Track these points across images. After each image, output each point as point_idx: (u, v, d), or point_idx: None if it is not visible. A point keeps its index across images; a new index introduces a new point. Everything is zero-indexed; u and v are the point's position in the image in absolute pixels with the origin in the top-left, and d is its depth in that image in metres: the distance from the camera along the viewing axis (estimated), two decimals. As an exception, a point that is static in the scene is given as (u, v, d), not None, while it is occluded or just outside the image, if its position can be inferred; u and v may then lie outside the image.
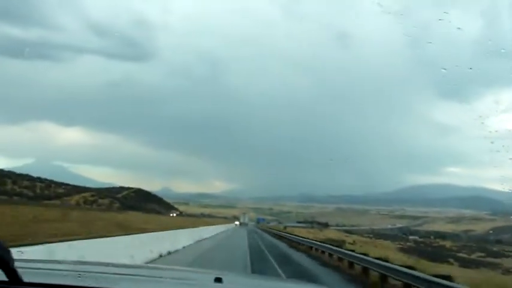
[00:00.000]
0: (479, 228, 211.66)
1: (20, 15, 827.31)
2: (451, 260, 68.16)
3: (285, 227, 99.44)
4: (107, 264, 2.63)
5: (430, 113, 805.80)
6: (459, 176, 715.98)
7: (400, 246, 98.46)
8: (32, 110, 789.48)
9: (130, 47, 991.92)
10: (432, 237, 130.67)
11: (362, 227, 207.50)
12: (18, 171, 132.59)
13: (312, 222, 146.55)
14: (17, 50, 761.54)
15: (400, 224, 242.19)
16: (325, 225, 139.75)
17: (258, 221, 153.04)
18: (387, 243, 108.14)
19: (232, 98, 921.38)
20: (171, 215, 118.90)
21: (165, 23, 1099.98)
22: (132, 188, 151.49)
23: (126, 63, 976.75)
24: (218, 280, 1.81)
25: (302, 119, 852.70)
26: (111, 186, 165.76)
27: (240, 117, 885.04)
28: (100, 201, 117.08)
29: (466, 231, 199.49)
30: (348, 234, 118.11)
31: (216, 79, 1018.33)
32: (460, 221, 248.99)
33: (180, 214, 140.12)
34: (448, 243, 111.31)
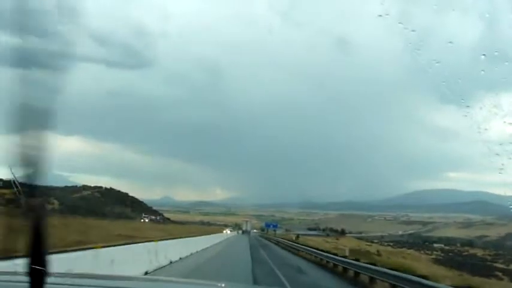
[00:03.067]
0: (493, 233, 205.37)
1: (18, 25, 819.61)
2: (499, 274, 60.35)
3: (298, 236, 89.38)
4: (107, 277, 2.59)
5: (430, 118, 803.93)
6: (461, 181, 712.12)
7: (431, 256, 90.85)
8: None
9: (129, 55, 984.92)
10: (459, 244, 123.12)
11: (371, 234, 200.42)
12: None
13: (324, 230, 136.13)
14: (14, 59, 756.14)
15: (409, 230, 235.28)
16: (341, 232, 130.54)
17: (267, 227, 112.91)
18: (413, 252, 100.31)
19: (231, 105, 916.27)
20: (142, 220, 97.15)
21: (164, 31, 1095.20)
22: (100, 188, 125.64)
23: (124, 71, 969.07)
24: None
25: (302, 126, 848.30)
26: (72, 185, 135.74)
27: (239, 124, 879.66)
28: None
29: (479, 237, 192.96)
30: (368, 243, 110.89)
31: (216, 86, 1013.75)
32: (470, 226, 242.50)
33: (156, 220, 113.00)
34: (479, 252, 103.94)
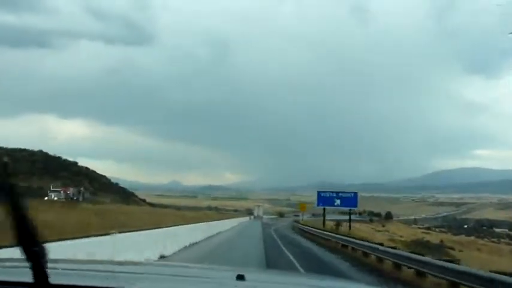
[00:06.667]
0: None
1: (13, 1, 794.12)
2: None
3: (338, 225, 61.75)
4: (129, 263, 2.72)
5: (455, 91, 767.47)
6: (489, 159, 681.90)
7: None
8: (30, 102, 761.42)
9: (130, 29, 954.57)
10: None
11: (401, 217, 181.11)
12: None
13: (361, 213, 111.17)
14: (11, 38, 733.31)
15: (442, 212, 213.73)
16: (386, 217, 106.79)
17: (320, 204, 43.02)
18: (483, 242, 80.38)
19: (241, 83, 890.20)
20: (46, 198, 51.61)
21: (165, 2, 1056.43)
22: (17, 150, 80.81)
23: (126, 47, 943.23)
24: (240, 277, 1.73)
25: (317, 103, 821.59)
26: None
27: (250, 103, 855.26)
28: None
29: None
30: (424, 231, 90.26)
31: (223, 62, 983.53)
32: (509, 206, 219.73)
33: (71, 196, 60.19)
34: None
